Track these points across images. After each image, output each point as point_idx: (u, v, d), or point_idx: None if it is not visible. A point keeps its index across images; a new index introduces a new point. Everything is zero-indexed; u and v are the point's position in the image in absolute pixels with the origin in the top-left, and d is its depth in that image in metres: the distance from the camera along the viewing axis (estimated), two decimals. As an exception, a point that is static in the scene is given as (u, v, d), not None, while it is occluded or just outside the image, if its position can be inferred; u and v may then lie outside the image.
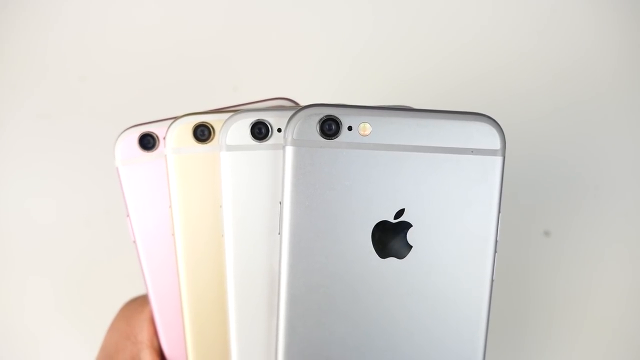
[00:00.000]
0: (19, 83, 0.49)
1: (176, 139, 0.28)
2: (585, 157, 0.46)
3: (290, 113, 0.25)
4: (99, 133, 0.46)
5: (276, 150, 0.26)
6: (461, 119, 0.25)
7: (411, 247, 0.25)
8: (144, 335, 0.32)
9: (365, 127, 0.25)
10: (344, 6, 0.48)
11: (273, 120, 0.26)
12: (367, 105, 0.25)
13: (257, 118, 0.26)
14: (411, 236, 0.25)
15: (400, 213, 0.25)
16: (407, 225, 0.25)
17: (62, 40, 0.49)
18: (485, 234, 0.25)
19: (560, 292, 0.46)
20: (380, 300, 0.25)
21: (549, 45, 0.47)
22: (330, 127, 0.25)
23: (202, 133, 0.28)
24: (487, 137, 0.25)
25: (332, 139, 0.25)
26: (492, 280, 0.26)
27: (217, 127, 0.28)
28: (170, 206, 0.28)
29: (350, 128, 0.25)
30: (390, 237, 0.25)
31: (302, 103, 0.27)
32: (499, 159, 0.25)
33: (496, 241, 0.26)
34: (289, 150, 0.25)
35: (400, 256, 0.25)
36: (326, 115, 0.25)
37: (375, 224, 0.25)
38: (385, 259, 0.25)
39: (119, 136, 0.30)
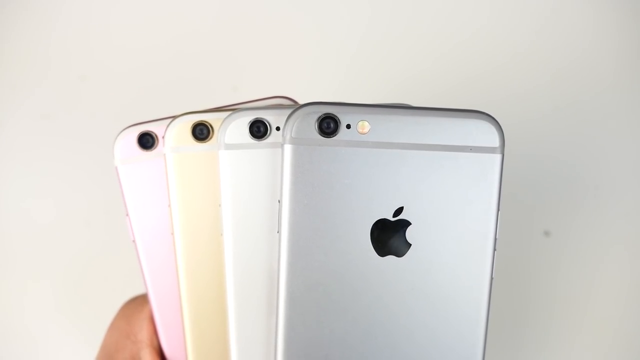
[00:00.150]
0: (19, 83, 0.49)
1: (175, 137, 0.28)
2: (585, 157, 0.46)
3: (289, 111, 0.25)
4: (99, 132, 0.46)
5: (275, 148, 0.26)
6: (460, 117, 0.25)
7: (410, 245, 0.25)
8: (144, 334, 0.32)
9: (363, 125, 0.25)
10: (343, 5, 0.48)
11: (272, 118, 0.26)
12: (365, 103, 0.25)
13: (256, 116, 0.26)
14: (410, 234, 0.25)
15: (399, 211, 0.25)
16: (406, 223, 0.25)
17: (62, 40, 0.49)
18: (484, 232, 0.25)
19: (560, 292, 0.46)
20: (379, 299, 0.25)
21: (549, 45, 0.47)
22: (328, 126, 0.25)
23: (201, 132, 0.28)
24: (485, 134, 0.25)
25: (330, 137, 0.25)
26: (492, 278, 0.26)
27: (215, 126, 0.28)
28: (169, 205, 0.28)
29: (348, 126, 0.25)
30: (389, 235, 0.25)
31: (301, 101, 0.27)
32: (498, 156, 0.25)
33: (495, 239, 0.26)
34: (288, 148, 0.25)
35: (399, 254, 0.25)
36: (325, 114, 0.25)
37: (374, 222, 0.25)
38: (384, 257, 0.25)
39: (117, 135, 0.30)
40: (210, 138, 0.28)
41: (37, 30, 0.49)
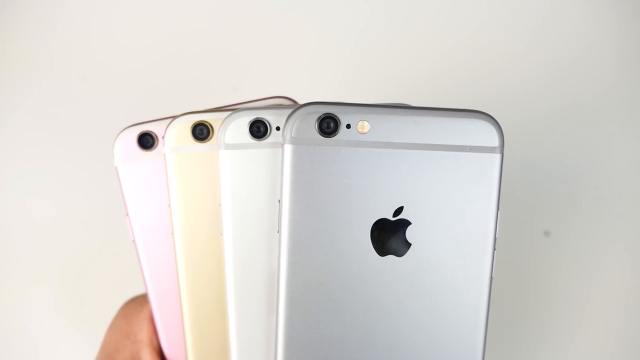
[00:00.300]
0: (19, 82, 0.49)
1: (175, 137, 0.28)
2: (585, 157, 0.46)
3: (289, 111, 0.25)
4: (98, 132, 0.46)
5: (275, 148, 0.26)
6: (459, 117, 0.25)
7: (410, 244, 0.25)
8: (144, 334, 0.32)
9: (363, 125, 0.25)
10: (342, 5, 0.48)
11: (272, 118, 0.26)
12: (365, 103, 0.25)
13: (256, 116, 0.26)
14: (410, 234, 0.25)
15: (399, 211, 0.25)
16: (405, 223, 0.25)
17: (62, 39, 0.49)
18: (484, 231, 0.25)
19: (560, 292, 0.46)
20: (379, 298, 0.25)
21: (549, 45, 0.47)
22: (328, 125, 0.25)
23: (201, 132, 0.28)
24: (485, 134, 0.25)
25: (330, 137, 0.25)
26: (491, 278, 0.26)
27: (215, 126, 0.28)
28: (169, 205, 0.28)
29: (348, 126, 0.25)
30: (389, 235, 0.25)
31: (301, 101, 0.27)
32: (498, 156, 0.25)
33: (495, 238, 0.26)
34: (288, 148, 0.25)
35: (399, 254, 0.25)
36: (325, 113, 0.25)
37: (374, 221, 0.25)
38: (384, 257, 0.25)
39: (117, 135, 0.30)
40: (210, 138, 0.28)
41: (38, 30, 0.49)
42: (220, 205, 0.27)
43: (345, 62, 0.48)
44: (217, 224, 0.28)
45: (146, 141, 0.30)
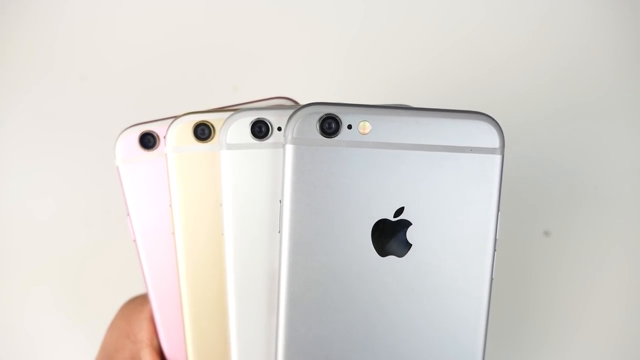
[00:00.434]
0: (19, 81, 0.49)
1: (176, 137, 0.28)
2: (585, 157, 0.47)
3: (290, 112, 0.25)
4: (100, 132, 0.46)
5: (276, 148, 0.26)
6: (460, 118, 0.25)
7: (411, 245, 0.26)
8: (144, 334, 0.32)
9: (365, 125, 0.25)
10: (343, 6, 0.48)
11: (273, 119, 0.26)
12: (366, 104, 0.25)
13: (258, 117, 0.26)
14: (411, 234, 0.25)
15: (399, 211, 0.25)
16: (406, 224, 0.25)
17: (62, 39, 0.49)
18: (484, 232, 0.25)
19: (560, 292, 0.46)
20: (379, 299, 0.25)
21: (549, 45, 0.47)
22: (330, 126, 0.25)
23: (203, 132, 0.28)
24: (486, 135, 0.25)
25: (332, 138, 0.25)
26: (492, 279, 0.26)
27: (217, 126, 0.28)
28: (170, 205, 0.28)
29: (350, 126, 0.25)
30: (389, 236, 0.25)
31: (302, 102, 0.27)
32: (498, 157, 0.25)
33: (495, 239, 0.26)
34: (289, 148, 0.25)
35: (400, 254, 0.26)
36: (326, 114, 0.25)
37: (375, 222, 0.25)
38: (385, 257, 0.25)
39: (119, 135, 0.30)
40: (212, 138, 0.28)
41: (39, 30, 0.49)
42: (221, 205, 0.27)
43: (346, 62, 0.48)
44: (218, 224, 0.28)
45: (148, 141, 0.30)
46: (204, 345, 0.29)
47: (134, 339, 0.32)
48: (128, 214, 0.31)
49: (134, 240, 0.31)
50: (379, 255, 0.25)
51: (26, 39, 0.49)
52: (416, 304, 0.26)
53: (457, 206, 0.25)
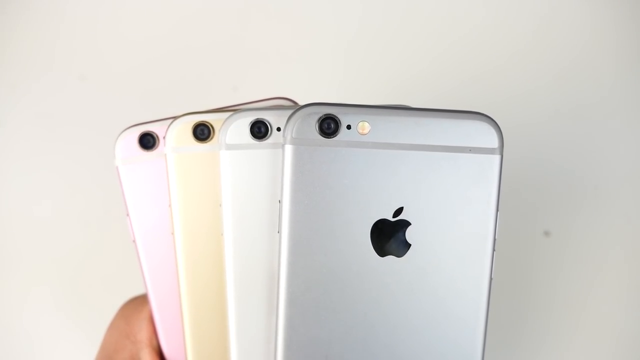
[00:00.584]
0: (18, 81, 0.49)
1: (176, 138, 0.28)
2: (585, 157, 0.47)
3: (290, 112, 0.25)
4: (99, 132, 0.46)
5: (275, 149, 0.26)
6: (459, 118, 0.25)
7: (410, 245, 0.26)
8: (143, 335, 0.32)
9: (364, 125, 0.25)
10: (343, 6, 0.48)
11: (272, 119, 0.26)
12: (366, 104, 0.25)
13: (257, 117, 0.26)
14: (410, 234, 0.25)
15: (399, 211, 0.25)
16: (405, 224, 0.25)
17: (62, 38, 0.49)
18: (483, 232, 0.25)
19: (560, 292, 0.46)
20: (379, 299, 0.25)
21: (549, 45, 0.47)
22: (329, 126, 0.25)
23: (202, 132, 0.28)
24: (485, 135, 0.25)
25: (331, 138, 0.25)
26: (491, 279, 0.26)
27: (216, 126, 0.28)
28: (170, 205, 0.28)
29: (349, 127, 0.25)
30: (389, 236, 0.25)
31: (302, 102, 0.27)
32: (497, 157, 0.25)
33: (494, 239, 0.26)
34: (288, 149, 0.25)
35: (399, 254, 0.26)
36: (325, 114, 0.25)
37: (374, 222, 0.25)
38: (384, 257, 0.25)
39: (119, 135, 0.30)
40: (211, 138, 0.28)
41: (39, 29, 0.49)
42: (220, 205, 0.27)
43: (345, 62, 0.48)
44: (218, 224, 0.28)
45: (147, 141, 0.30)
46: (203, 345, 0.29)
47: (133, 339, 0.32)
48: (127, 214, 0.31)
49: (134, 241, 0.31)
50: (378, 256, 0.25)
51: (26, 39, 0.49)
52: (415, 304, 0.26)
53: (456, 206, 0.25)
